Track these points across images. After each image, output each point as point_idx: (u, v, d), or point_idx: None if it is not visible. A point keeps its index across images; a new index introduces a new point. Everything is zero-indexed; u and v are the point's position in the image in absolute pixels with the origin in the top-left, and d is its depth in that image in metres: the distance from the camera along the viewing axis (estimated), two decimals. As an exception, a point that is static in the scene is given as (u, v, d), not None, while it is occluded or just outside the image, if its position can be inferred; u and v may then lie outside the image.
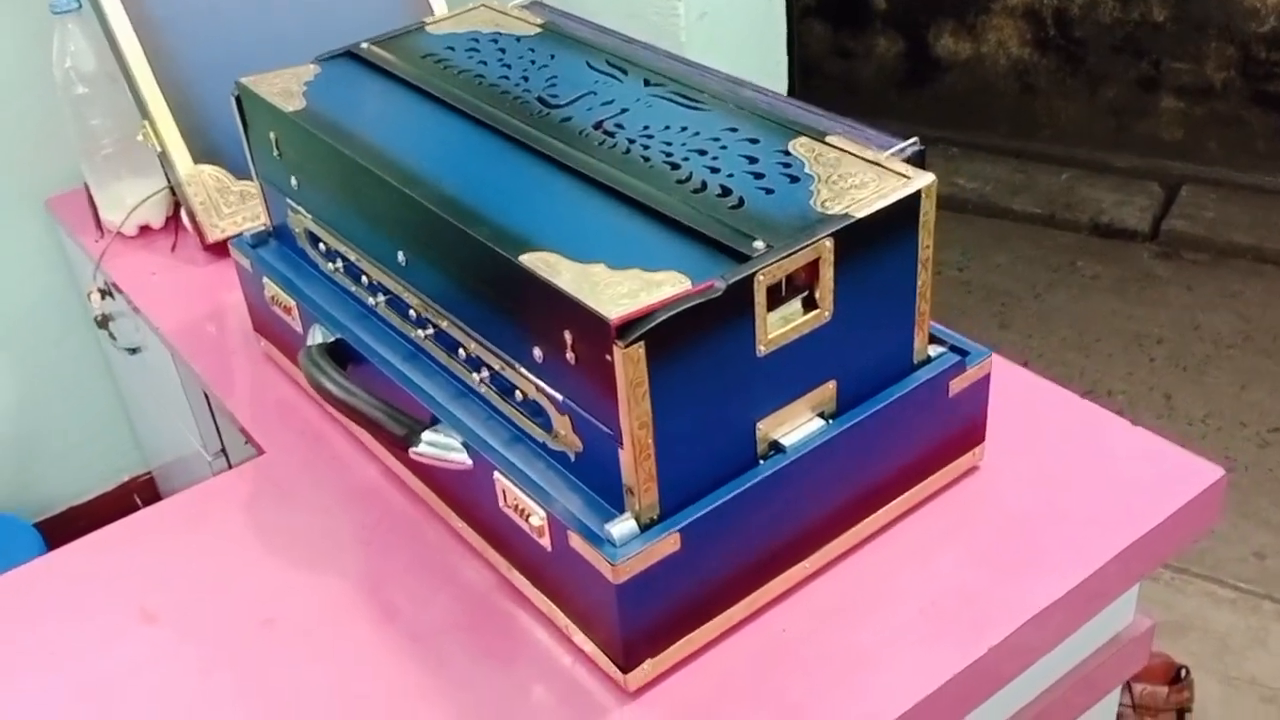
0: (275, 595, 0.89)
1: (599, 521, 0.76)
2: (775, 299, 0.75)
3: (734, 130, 0.86)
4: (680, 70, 0.96)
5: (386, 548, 0.92)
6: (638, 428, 0.72)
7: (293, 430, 1.05)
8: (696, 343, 0.72)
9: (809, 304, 0.77)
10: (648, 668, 0.79)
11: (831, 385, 0.81)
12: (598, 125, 0.88)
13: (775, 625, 0.83)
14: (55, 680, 0.85)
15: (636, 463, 0.73)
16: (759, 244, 0.74)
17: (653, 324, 0.70)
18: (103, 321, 1.44)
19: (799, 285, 0.76)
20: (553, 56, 0.99)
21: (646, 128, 0.88)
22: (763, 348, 0.76)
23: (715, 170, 0.82)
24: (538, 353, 0.77)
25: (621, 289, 0.71)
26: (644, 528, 0.75)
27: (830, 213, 0.76)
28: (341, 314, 0.97)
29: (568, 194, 0.83)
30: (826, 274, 0.76)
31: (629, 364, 0.70)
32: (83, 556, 0.95)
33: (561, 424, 0.78)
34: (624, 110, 0.90)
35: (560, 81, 0.96)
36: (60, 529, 1.71)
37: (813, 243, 0.74)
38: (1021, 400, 0.98)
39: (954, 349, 0.88)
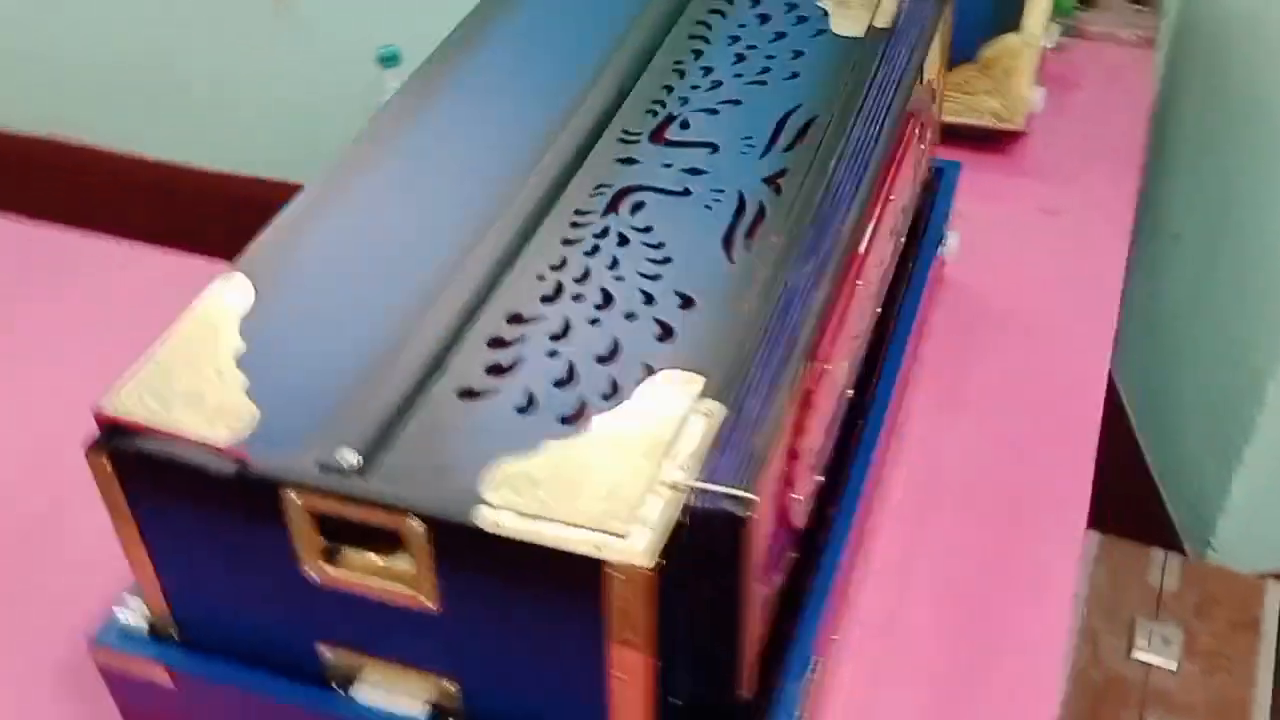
0: None
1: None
2: (355, 532, 0.51)
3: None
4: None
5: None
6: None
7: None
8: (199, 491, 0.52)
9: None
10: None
11: (450, 685, 0.55)
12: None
13: None
14: None
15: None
16: (348, 457, 0.50)
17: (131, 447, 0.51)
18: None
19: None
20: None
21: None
22: (313, 574, 0.52)
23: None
24: None
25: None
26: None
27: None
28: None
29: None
30: (418, 548, 0.49)
31: (99, 474, 0.53)
32: None
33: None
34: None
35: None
36: None
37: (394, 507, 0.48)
38: None
39: None
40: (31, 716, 0.69)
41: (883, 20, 0.73)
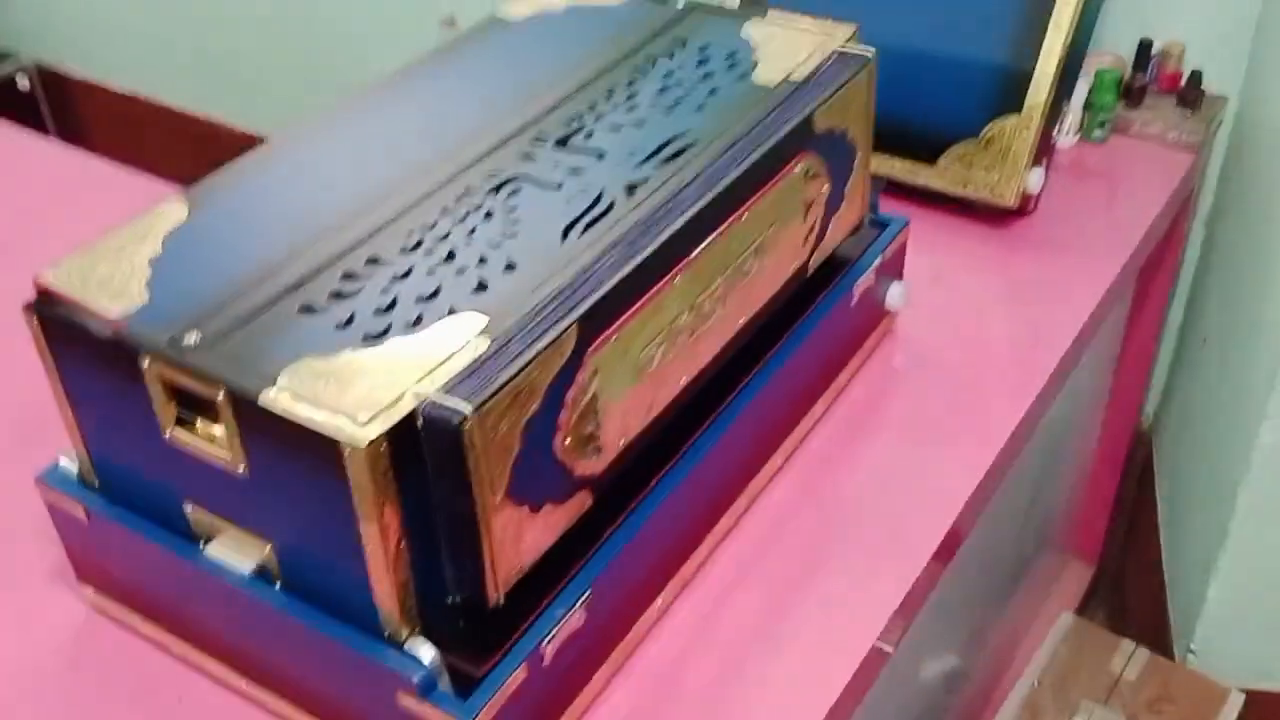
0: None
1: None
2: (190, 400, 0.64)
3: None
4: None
5: None
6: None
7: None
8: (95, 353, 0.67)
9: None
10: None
11: (266, 545, 0.67)
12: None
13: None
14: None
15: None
16: (191, 337, 0.63)
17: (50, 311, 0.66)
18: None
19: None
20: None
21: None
22: (168, 437, 0.65)
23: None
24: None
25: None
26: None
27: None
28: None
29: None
30: (227, 418, 0.62)
31: (32, 332, 0.67)
32: None
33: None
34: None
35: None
36: None
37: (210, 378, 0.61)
38: None
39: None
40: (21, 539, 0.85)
41: (799, 75, 0.82)
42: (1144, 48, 1.24)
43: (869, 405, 0.95)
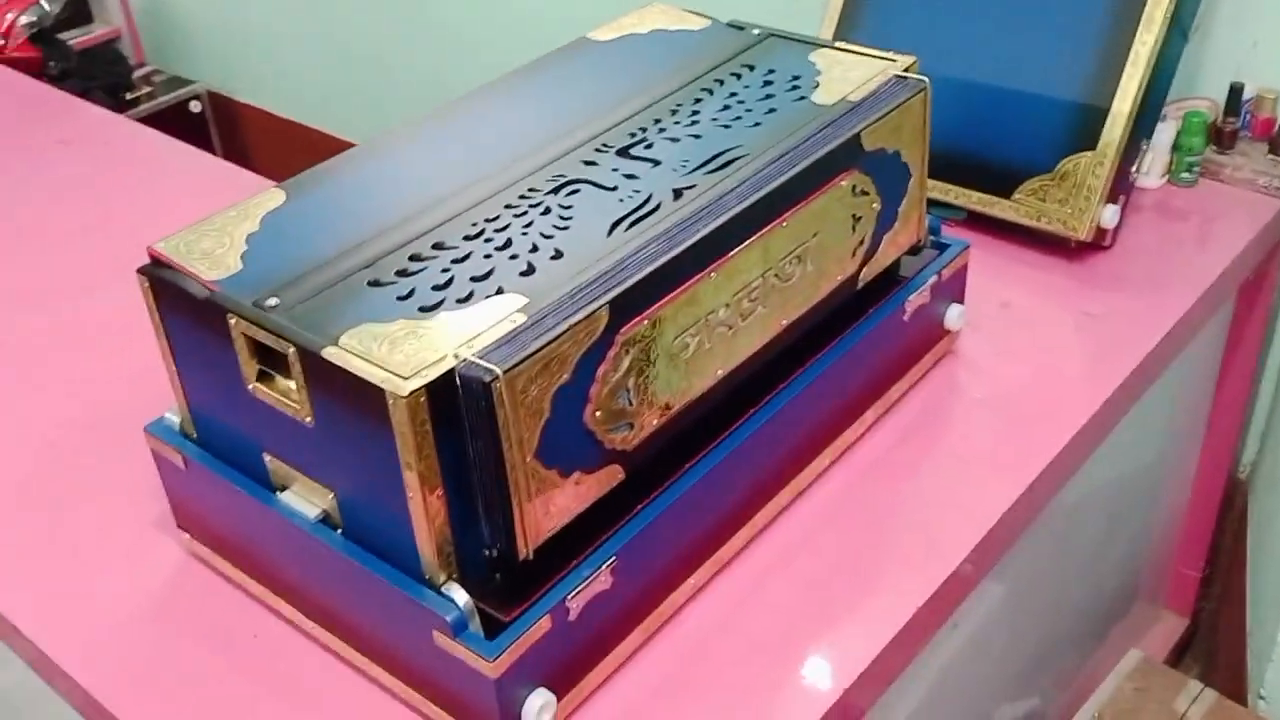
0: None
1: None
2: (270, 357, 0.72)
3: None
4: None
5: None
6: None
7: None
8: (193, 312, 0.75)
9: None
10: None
11: (329, 494, 0.74)
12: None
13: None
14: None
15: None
16: (272, 300, 0.71)
17: (158, 274, 0.76)
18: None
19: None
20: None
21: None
22: (251, 390, 0.74)
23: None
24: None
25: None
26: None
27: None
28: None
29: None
30: (296, 372, 0.70)
31: (143, 292, 0.77)
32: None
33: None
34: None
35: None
36: None
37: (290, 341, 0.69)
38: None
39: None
40: (131, 484, 0.95)
41: (855, 97, 0.88)
42: (1235, 92, 1.26)
43: (922, 417, 0.99)
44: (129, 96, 2.68)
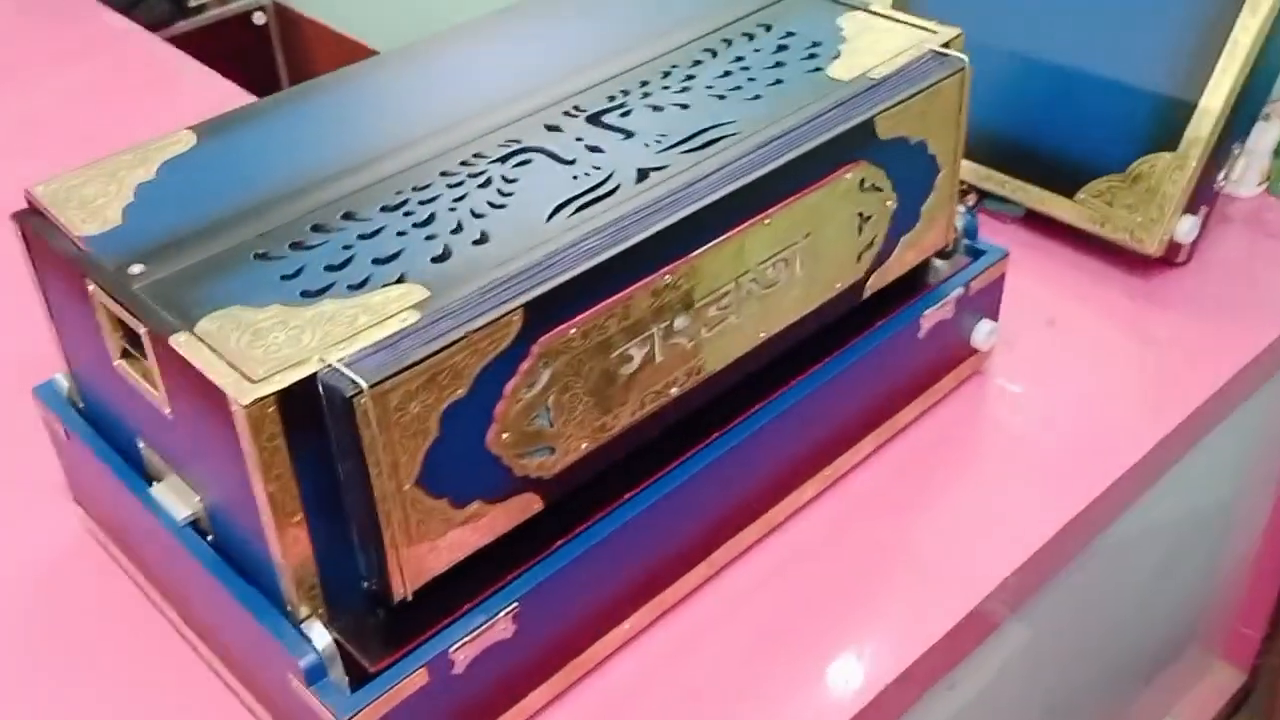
0: None
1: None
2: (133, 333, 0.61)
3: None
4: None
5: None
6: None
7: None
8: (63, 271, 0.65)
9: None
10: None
11: (196, 497, 0.64)
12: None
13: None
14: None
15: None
16: (137, 268, 0.60)
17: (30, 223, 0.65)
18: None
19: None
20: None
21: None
22: (115, 366, 0.63)
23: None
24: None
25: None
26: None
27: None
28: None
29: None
30: (151, 355, 0.59)
31: (17, 239, 0.66)
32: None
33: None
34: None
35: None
36: None
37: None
38: None
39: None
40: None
41: (879, 73, 0.74)
42: (1354, 95, 1.08)
43: (931, 450, 0.85)
44: (193, 3, 2.61)
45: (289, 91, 0.76)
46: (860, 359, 0.77)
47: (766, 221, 0.67)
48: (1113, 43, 0.97)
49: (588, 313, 0.60)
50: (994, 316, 0.88)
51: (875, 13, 0.81)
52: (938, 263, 0.85)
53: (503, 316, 0.57)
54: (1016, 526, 0.79)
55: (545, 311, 0.58)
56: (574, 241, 0.61)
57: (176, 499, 0.66)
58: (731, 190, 0.65)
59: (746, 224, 0.66)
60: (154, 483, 0.67)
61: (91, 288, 0.61)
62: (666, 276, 0.63)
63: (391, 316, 0.56)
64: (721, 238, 0.65)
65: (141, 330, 0.58)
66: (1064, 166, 1.00)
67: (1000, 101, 1.03)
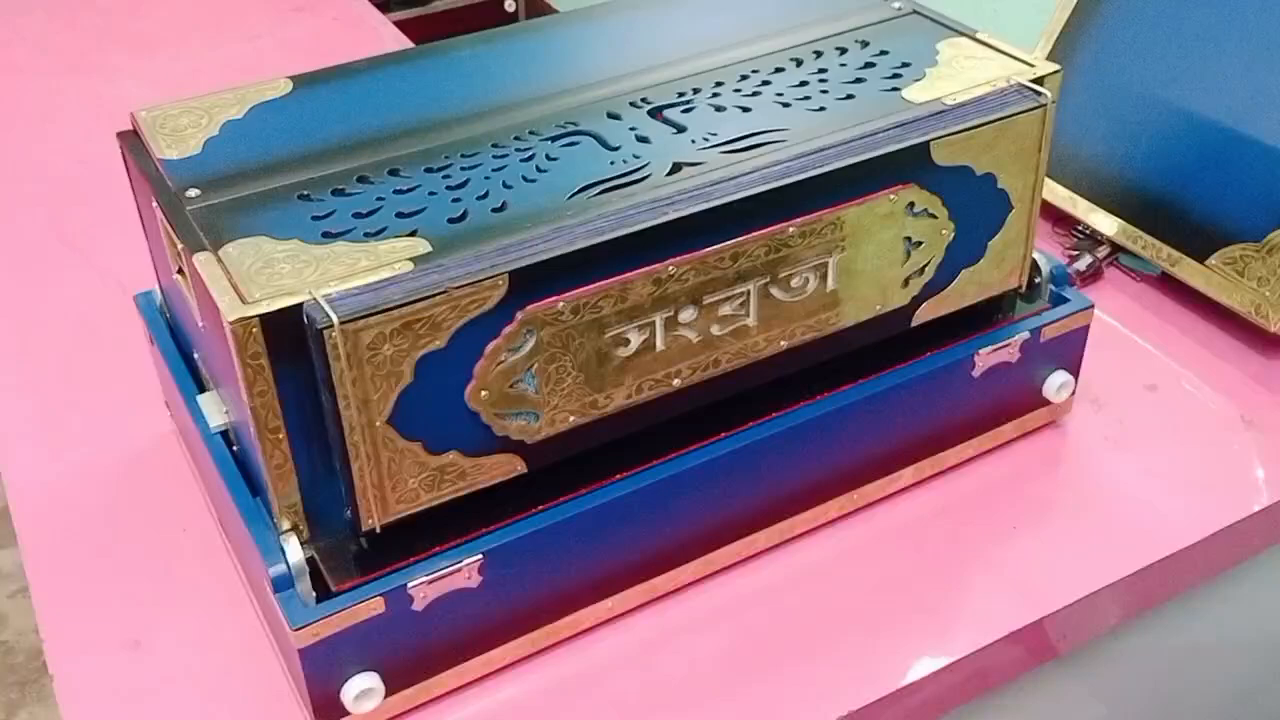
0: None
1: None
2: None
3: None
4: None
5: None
6: (135, 223, 0.76)
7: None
8: (148, 186, 0.71)
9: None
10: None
11: (225, 407, 0.69)
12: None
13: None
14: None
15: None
16: (193, 192, 0.66)
17: (130, 142, 0.72)
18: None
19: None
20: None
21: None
22: (174, 277, 0.70)
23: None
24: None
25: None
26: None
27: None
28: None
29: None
30: (185, 270, 0.64)
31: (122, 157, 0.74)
32: None
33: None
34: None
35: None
36: None
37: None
38: None
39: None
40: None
41: (958, 98, 0.73)
42: None
43: (978, 494, 0.83)
44: (444, -11, 2.75)
45: (397, 54, 0.81)
46: (898, 385, 0.76)
47: (795, 229, 0.67)
48: (1269, 102, 0.91)
49: (580, 290, 0.62)
50: (1072, 369, 0.84)
51: (982, 41, 0.79)
52: (1019, 304, 0.83)
53: (487, 279, 0.59)
54: (1034, 588, 0.76)
55: (532, 281, 0.61)
56: (581, 221, 0.63)
57: (214, 409, 0.72)
58: (754, 194, 0.65)
59: (768, 229, 0.67)
60: (202, 392, 0.74)
61: (153, 205, 0.68)
62: (670, 267, 0.65)
63: (389, 264, 0.60)
64: (737, 239, 0.66)
65: (179, 246, 0.64)
66: (1202, 228, 0.95)
67: (1155, 157, 0.99)
